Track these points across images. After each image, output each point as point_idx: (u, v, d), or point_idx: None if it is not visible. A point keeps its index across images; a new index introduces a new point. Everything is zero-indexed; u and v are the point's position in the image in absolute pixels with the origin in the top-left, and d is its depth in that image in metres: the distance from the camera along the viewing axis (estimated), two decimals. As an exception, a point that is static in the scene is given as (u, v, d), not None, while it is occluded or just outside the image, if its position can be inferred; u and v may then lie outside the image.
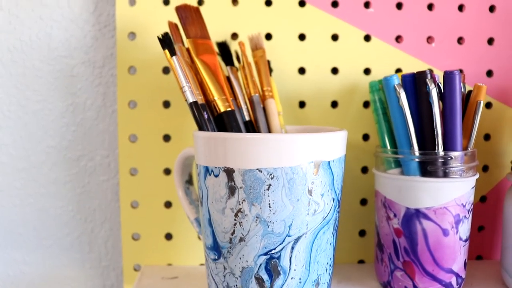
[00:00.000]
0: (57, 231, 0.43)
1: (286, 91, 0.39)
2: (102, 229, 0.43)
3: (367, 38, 0.40)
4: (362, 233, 0.42)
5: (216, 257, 0.28)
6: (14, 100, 0.41)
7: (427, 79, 0.32)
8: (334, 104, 0.40)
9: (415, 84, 0.33)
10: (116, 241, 0.43)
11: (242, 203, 0.26)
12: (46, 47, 0.41)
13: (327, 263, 0.29)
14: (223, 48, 0.36)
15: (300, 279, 0.27)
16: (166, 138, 0.39)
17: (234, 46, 0.38)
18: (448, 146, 0.33)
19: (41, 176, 0.42)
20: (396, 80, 0.33)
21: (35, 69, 0.41)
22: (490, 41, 0.41)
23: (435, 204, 0.32)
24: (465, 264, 0.35)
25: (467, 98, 0.34)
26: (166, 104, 0.39)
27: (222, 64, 0.35)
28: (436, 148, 0.33)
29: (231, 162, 0.26)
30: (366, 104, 0.40)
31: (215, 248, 0.28)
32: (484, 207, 0.42)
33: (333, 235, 0.29)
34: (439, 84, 0.33)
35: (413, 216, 0.33)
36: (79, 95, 0.41)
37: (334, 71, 0.40)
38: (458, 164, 0.33)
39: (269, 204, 0.26)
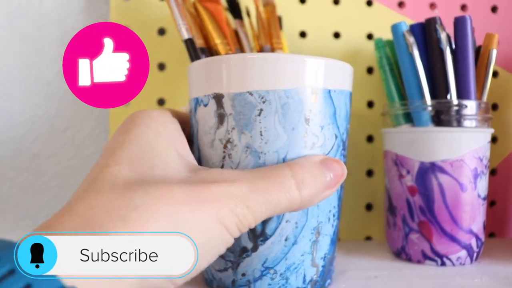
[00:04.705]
0: (38, 209, 0.39)
1: (287, 55, 0.38)
2: (88, 208, 0.40)
3: (369, 2, 0.39)
4: (368, 207, 0.39)
5: None
6: (-2, 66, 0.39)
7: (437, 25, 0.31)
8: (337, 69, 0.38)
9: (424, 33, 0.32)
10: (103, 221, 0.40)
11: (231, 131, 0.23)
12: (36, 12, 0.39)
13: (330, 211, 0.25)
14: (232, 3, 0.34)
15: (296, 223, 0.24)
16: (161, 102, 0.37)
17: (245, 3, 0.36)
18: (461, 95, 0.31)
19: (24, 149, 0.39)
20: (405, 27, 0.32)
21: (23, 34, 0.39)
22: (494, 9, 0.40)
23: (451, 156, 0.30)
24: (484, 226, 0.32)
25: (477, 51, 0.33)
26: (161, 67, 0.37)
27: (231, 18, 0.34)
28: (449, 96, 0.31)
29: (220, 87, 0.24)
30: (369, 70, 0.39)
31: None
32: (495, 180, 0.40)
33: None
34: (448, 34, 0.32)
35: (428, 170, 0.31)
36: (69, 63, 0.39)
37: (336, 35, 0.39)
38: (473, 114, 0.31)
39: (261, 131, 0.23)
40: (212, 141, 0.24)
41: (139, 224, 0.17)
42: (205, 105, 0.24)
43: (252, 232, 0.24)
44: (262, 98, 0.23)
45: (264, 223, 0.24)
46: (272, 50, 0.33)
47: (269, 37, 0.33)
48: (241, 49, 0.32)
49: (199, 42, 0.30)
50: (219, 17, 0.31)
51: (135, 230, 0.17)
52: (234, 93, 0.23)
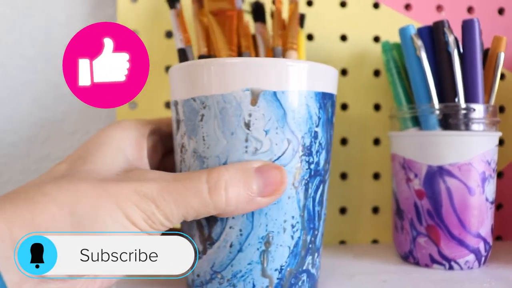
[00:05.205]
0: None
1: (294, 58, 0.38)
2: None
3: (376, 5, 0.39)
4: (375, 210, 0.39)
5: None
6: (4, 70, 0.39)
7: (445, 28, 0.31)
8: (344, 72, 0.39)
9: (432, 36, 0.32)
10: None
11: (184, 136, 0.25)
12: (44, 15, 0.39)
13: (285, 221, 0.24)
14: (256, 6, 0.35)
15: (240, 230, 0.23)
16: (168, 104, 0.37)
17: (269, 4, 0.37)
18: (469, 98, 0.31)
19: (32, 152, 0.39)
20: (413, 30, 0.32)
21: (31, 37, 0.39)
22: (501, 11, 0.40)
23: (459, 160, 0.30)
24: (492, 230, 0.32)
25: (485, 54, 0.33)
26: (168, 70, 0.37)
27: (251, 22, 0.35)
28: (457, 99, 0.31)
29: (175, 94, 0.25)
30: (376, 73, 0.39)
31: None
32: (502, 183, 0.40)
33: (297, 190, 0.24)
34: (456, 38, 0.32)
35: (436, 174, 0.31)
36: (76, 66, 0.39)
37: (343, 38, 0.39)
38: (481, 117, 0.31)
39: (203, 136, 0.24)
40: (175, 146, 0.26)
41: (38, 206, 0.19)
42: (172, 112, 0.26)
43: (201, 235, 0.24)
44: (203, 103, 0.23)
45: (210, 227, 0.24)
46: (284, 51, 0.33)
47: (283, 37, 0.33)
48: (257, 54, 0.33)
49: (203, 50, 0.31)
50: (230, 24, 0.31)
51: (34, 211, 0.19)
52: (183, 99, 0.24)
